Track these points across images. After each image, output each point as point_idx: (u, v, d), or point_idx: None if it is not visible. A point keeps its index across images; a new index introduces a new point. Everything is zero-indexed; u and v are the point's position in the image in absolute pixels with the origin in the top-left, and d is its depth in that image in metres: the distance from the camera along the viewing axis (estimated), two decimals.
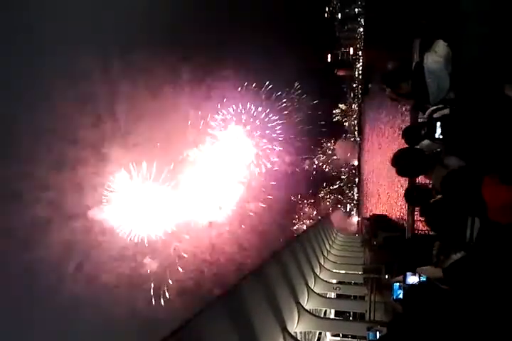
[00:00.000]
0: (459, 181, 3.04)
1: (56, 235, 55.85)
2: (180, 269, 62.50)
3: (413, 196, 5.30)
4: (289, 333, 20.83)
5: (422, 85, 4.70)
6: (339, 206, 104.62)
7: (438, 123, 4.04)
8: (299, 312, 24.45)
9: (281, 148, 75.02)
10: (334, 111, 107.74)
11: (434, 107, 4.63)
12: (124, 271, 59.40)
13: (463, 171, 3.09)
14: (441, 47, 4.54)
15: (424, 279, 4.54)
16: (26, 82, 54.47)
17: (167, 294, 60.89)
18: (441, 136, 4.01)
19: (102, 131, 59.31)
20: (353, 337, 29.18)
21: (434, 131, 4.06)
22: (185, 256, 63.10)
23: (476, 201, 2.73)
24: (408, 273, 4.79)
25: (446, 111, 4.34)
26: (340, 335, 31.52)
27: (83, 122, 57.43)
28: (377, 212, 44.58)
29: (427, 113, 4.73)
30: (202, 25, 71.60)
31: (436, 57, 4.53)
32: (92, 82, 57.24)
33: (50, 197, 56.28)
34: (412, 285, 4.62)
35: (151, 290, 60.45)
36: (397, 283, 5.08)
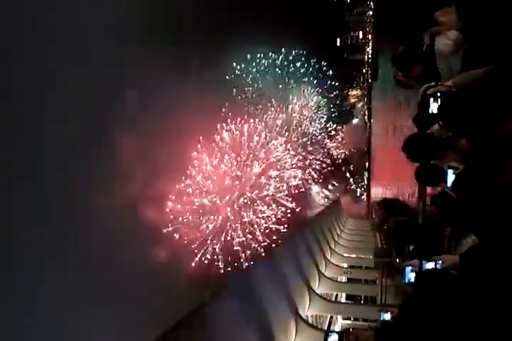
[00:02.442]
0: (472, 181, 3.00)
1: None
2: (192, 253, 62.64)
3: (425, 175, 4.98)
4: (301, 316, 21.07)
5: (433, 68, 4.71)
6: (349, 190, 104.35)
7: (431, 99, 4.24)
8: (310, 296, 24.67)
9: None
10: (343, 96, 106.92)
11: (427, 85, 4.68)
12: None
13: (474, 169, 3.07)
14: (451, 31, 4.54)
15: (440, 267, 4.58)
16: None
17: (180, 278, 61.18)
18: (435, 111, 4.21)
19: None
20: (364, 320, 29.38)
21: (428, 107, 4.26)
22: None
23: (488, 193, 2.71)
24: (424, 261, 4.81)
25: (439, 88, 4.40)
26: (352, 319, 31.77)
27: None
28: (387, 195, 44.40)
29: (421, 90, 4.77)
30: (204, 10, 70.83)
31: (446, 40, 4.53)
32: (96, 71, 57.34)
33: None
34: (425, 270, 4.66)
35: (163, 275, 60.69)
36: (409, 267, 5.10)
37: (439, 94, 4.28)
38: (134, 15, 57.17)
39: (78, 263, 51.37)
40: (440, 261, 4.63)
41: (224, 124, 60.27)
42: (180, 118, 54.38)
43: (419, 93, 4.82)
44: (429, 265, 4.92)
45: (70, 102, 53.38)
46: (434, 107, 4.30)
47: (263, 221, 60.90)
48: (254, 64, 71.01)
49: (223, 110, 61.19)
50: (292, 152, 67.75)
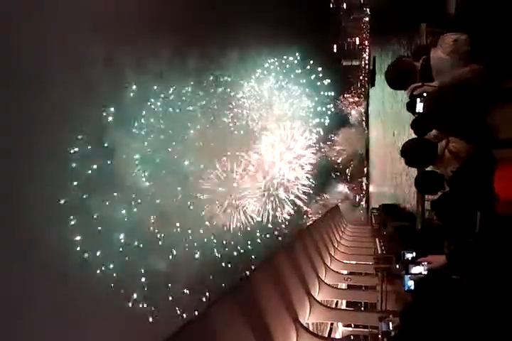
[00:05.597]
0: (467, 177, 2.98)
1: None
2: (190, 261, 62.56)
3: (425, 183, 5.03)
4: (301, 324, 20.93)
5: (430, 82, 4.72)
6: (348, 196, 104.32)
7: (418, 99, 4.49)
8: (310, 303, 24.54)
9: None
10: (340, 101, 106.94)
11: (414, 85, 4.76)
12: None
13: (471, 165, 3.04)
14: (446, 43, 4.55)
15: (426, 268, 4.60)
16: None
17: (179, 286, 60.89)
18: (421, 110, 4.46)
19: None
20: (365, 327, 29.22)
21: (415, 107, 4.40)
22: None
23: (485, 194, 2.67)
24: (410, 265, 4.80)
25: (425, 88, 4.45)
26: (352, 326, 31.61)
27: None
28: (387, 201, 44.38)
29: (408, 90, 4.86)
30: (202, 13, 71.13)
31: (442, 55, 4.55)
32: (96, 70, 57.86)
33: None
34: (424, 276, 4.62)
35: (161, 283, 60.43)
36: (408, 275, 5.07)
37: (425, 94, 4.37)
38: None
39: None
40: (425, 263, 4.61)
41: None
42: None
43: (407, 94, 4.88)
44: (416, 269, 4.89)
45: None
46: (420, 107, 4.42)
47: None
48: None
49: None
50: None
